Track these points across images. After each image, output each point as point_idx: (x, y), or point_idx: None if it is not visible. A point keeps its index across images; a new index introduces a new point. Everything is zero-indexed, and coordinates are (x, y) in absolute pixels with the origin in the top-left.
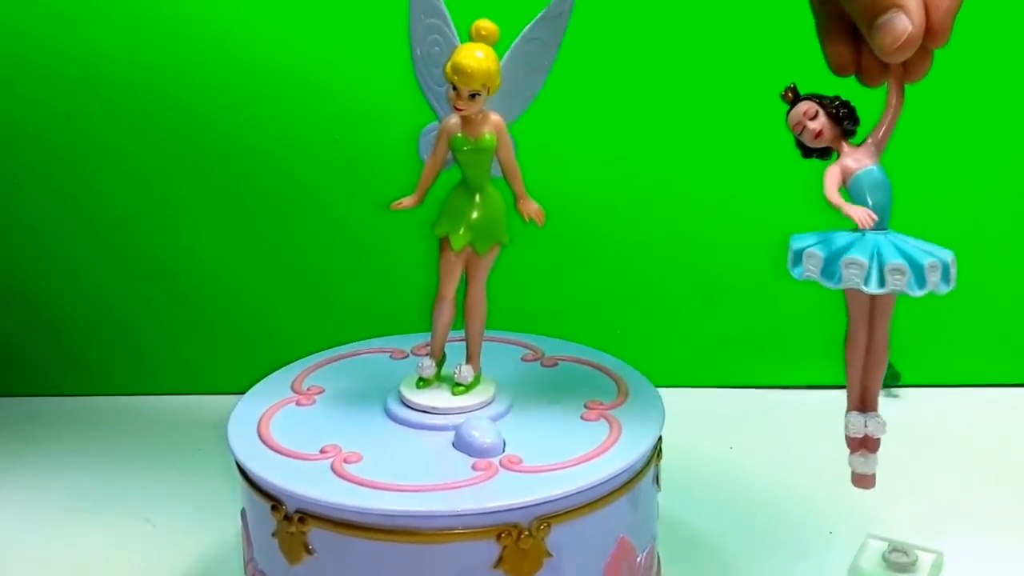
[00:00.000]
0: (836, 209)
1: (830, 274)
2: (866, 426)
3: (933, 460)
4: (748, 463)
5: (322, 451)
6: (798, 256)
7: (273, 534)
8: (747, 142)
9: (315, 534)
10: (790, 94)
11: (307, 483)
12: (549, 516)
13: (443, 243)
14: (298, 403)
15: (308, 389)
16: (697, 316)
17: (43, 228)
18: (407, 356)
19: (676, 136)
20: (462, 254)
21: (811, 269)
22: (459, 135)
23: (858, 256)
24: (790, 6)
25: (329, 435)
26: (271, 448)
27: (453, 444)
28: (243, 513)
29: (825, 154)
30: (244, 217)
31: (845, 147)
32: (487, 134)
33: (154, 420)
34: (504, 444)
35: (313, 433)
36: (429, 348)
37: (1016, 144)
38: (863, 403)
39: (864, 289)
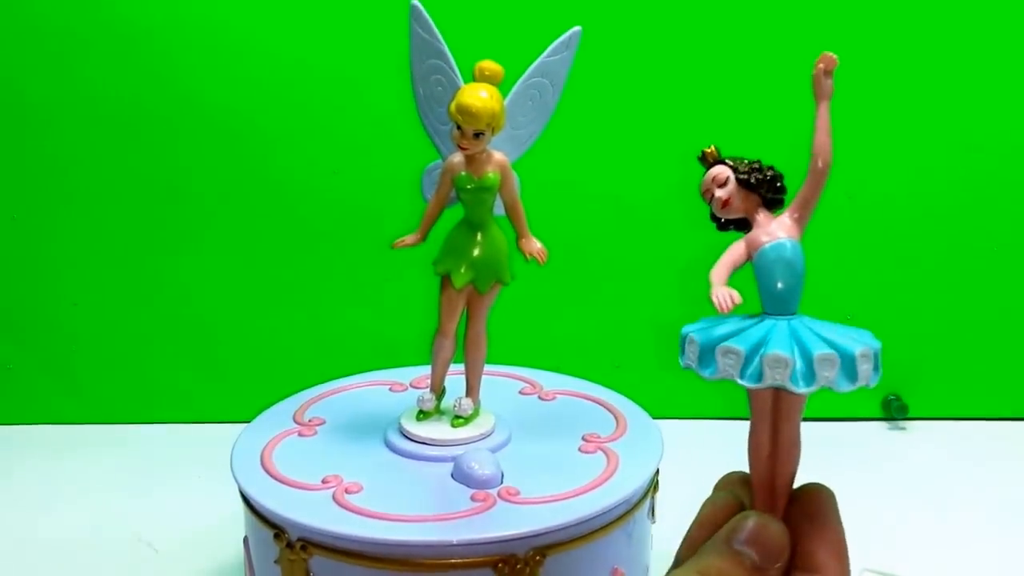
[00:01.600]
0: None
1: (752, 373)
2: None
3: (935, 494)
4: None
5: (324, 481)
6: (691, 344)
7: (276, 561)
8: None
9: (317, 561)
10: (709, 157)
11: (310, 512)
12: (545, 547)
13: (444, 280)
14: (300, 434)
15: (310, 420)
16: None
17: (46, 257)
18: (406, 389)
19: (676, 173)
20: (463, 292)
21: (691, 358)
22: (463, 174)
23: (736, 346)
24: (790, 49)
25: (331, 465)
26: (274, 477)
27: (452, 475)
28: (246, 540)
29: (744, 226)
30: (250, 250)
31: (760, 218)
32: (491, 173)
33: (157, 448)
34: (502, 476)
35: (315, 463)
36: (429, 382)
37: None
38: (772, 510)
39: (742, 383)
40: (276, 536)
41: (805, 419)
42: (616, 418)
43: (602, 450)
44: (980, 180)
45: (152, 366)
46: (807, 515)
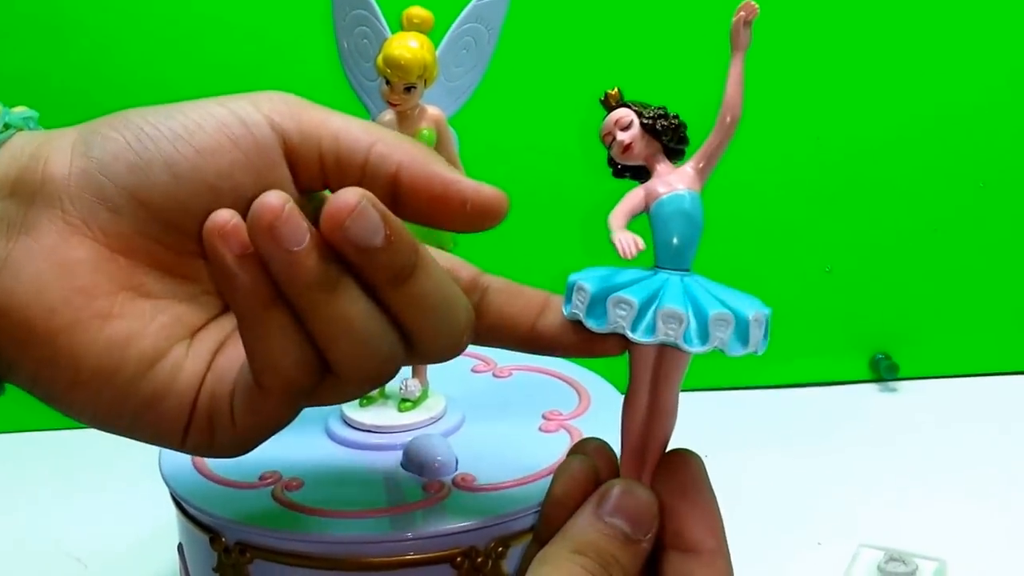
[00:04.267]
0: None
1: (645, 327)
2: None
3: (932, 459)
4: (725, 471)
5: (261, 478)
6: (571, 290)
7: (214, 568)
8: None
9: (258, 567)
10: (611, 100)
11: (247, 512)
12: (507, 537)
13: None
14: None
15: None
16: None
17: None
18: None
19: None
20: None
21: (578, 306)
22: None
23: (630, 296)
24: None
25: (268, 461)
26: (207, 477)
27: (402, 464)
28: (180, 548)
29: (641, 175)
30: None
31: (660, 167)
32: (425, 130)
33: (80, 453)
34: (457, 462)
35: (251, 460)
36: None
37: None
38: (639, 474)
39: (633, 337)
40: (212, 541)
41: (789, 385)
42: (579, 393)
43: (564, 428)
44: (967, 114)
45: None
46: (678, 488)
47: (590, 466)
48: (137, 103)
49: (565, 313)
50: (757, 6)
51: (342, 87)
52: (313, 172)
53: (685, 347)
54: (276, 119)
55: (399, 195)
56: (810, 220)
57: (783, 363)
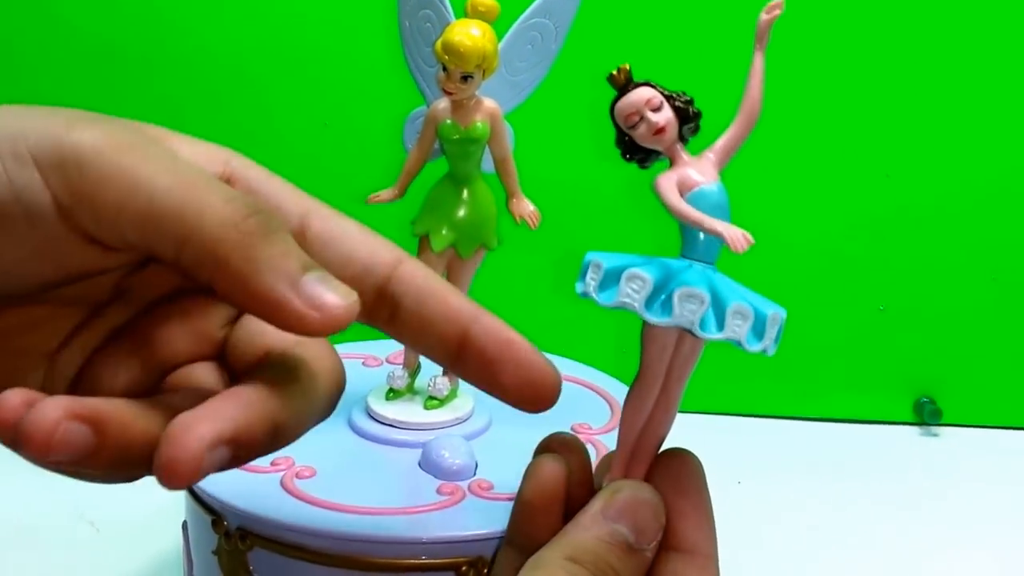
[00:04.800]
0: (690, 223)
1: (660, 306)
2: None
3: (968, 510)
4: (758, 497)
5: (272, 464)
6: (615, 276)
7: (214, 551)
8: (762, 151)
9: (257, 555)
10: (622, 76)
11: (250, 497)
12: None
13: (422, 242)
14: None
15: None
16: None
17: None
18: (381, 364)
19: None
20: (443, 256)
21: (590, 284)
22: (448, 122)
23: (645, 272)
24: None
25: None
26: None
27: (419, 464)
28: (184, 526)
29: (647, 161)
30: None
31: (684, 155)
32: (479, 122)
33: None
34: (476, 466)
35: None
36: (404, 357)
37: None
38: (637, 473)
39: (646, 316)
40: (214, 523)
41: (829, 420)
42: (611, 407)
43: (591, 442)
44: None
45: None
46: (679, 488)
47: (563, 465)
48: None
49: (577, 290)
50: (783, 3)
51: (400, 70)
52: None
53: (700, 332)
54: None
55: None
56: (868, 257)
57: (825, 396)
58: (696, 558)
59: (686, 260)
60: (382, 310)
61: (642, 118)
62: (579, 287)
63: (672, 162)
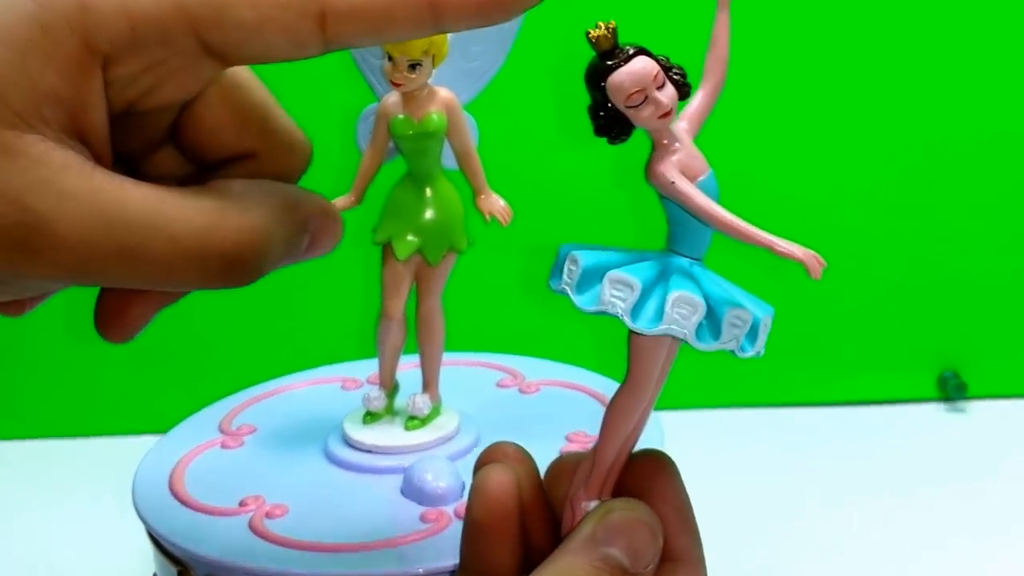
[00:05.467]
0: (750, 241)
1: (649, 313)
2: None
3: (1001, 486)
4: (779, 494)
5: (241, 504)
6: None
7: None
8: (763, 131)
9: None
10: (610, 35)
11: (217, 543)
12: None
13: (385, 251)
14: (223, 445)
15: (237, 428)
16: None
17: None
18: (361, 386)
19: None
20: (410, 264)
21: (568, 281)
22: (400, 117)
23: (631, 277)
24: None
25: (253, 483)
26: (182, 501)
27: (401, 490)
28: None
29: (619, 138)
30: None
31: (674, 135)
32: (434, 114)
33: (55, 468)
34: (463, 489)
35: (235, 481)
36: (379, 376)
37: None
38: (603, 489)
39: (696, 344)
40: (180, 574)
41: (844, 404)
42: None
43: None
44: None
45: (43, 366)
46: (659, 494)
47: (512, 476)
48: None
49: (553, 287)
50: None
51: (347, 65)
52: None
53: (697, 343)
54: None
55: None
56: (880, 225)
57: (843, 379)
58: (683, 566)
59: (672, 254)
60: None
61: (647, 98)
62: (554, 284)
63: (658, 142)
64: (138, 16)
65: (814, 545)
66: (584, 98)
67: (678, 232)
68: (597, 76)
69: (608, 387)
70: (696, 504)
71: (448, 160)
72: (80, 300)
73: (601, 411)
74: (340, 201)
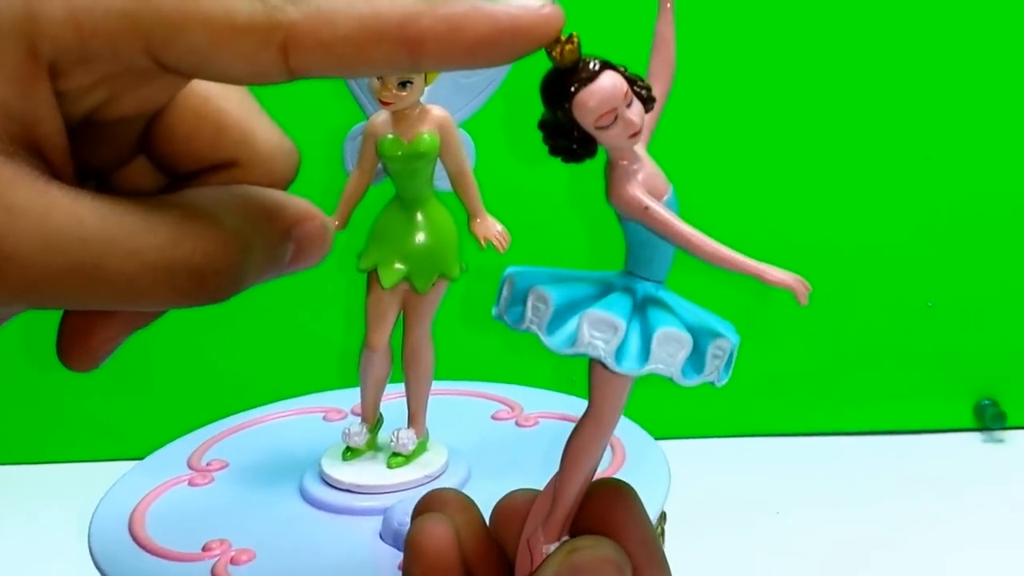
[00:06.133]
0: (737, 270)
1: (516, 312)
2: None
3: None
4: (808, 526)
5: (205, 548)
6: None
7: None
8: (788, 137)
9: None
10: (573, 49)
11: None
12: None
13: (371, 278)
14: (191, 483)
15: (208, 464)
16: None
17: None
18: (345, 417)
19: (680, 143)
20: (396, 292)
21: (502, 304)
22: (389, 137)
23: (548, 293)
24: None
25: (219, 526)
26: (141, 545)
27: (380, 534)
28: None
29: (580, 159)
30: None
31: (641, 153)
32: (426, 135)
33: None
34: None
35: (201, 523)
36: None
37: None
38: (562, 527)
39: (614, 367)
40: None
41: (877, 433)
42: (612, 447)
43: None
44: None
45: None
46: (616, 528)
47: (450, 527)
48: None
49: (510, 323)
50: None
51: (335, 84)
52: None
53: (615, 366)
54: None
55: None
56: (912, 246)
57: (876, 406)
58: None
59: (635, 278)
60: None
61: (616, 118)
62: (494, 310)
63: (617, 161)
64: (88, 29)
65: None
66: None
67: (643, 255)
68: (560, 95)
69: (621, 424)
70: (732, 533)
71: (442, 181)
72: (40, 323)
73: (608, 447)
74: None
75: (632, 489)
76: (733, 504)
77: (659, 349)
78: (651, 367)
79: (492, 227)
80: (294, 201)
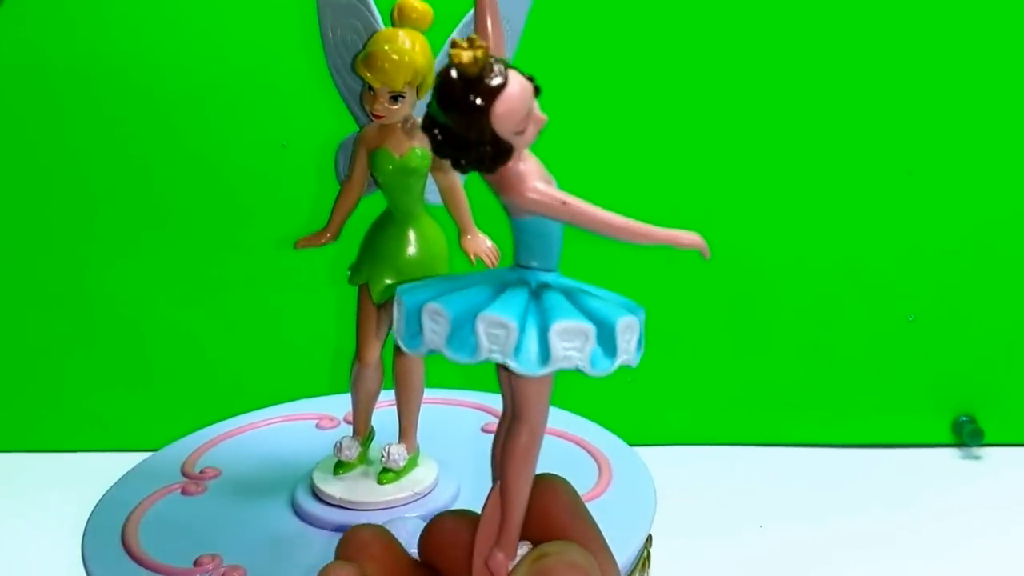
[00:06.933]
0: (658, 243)
1: (413, 332)
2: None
3: (1015, 537)
4: (784, 539)
5: (196, 563)
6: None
7: None
8: (768, 148)
9: None
10: (482, 56)
11: None
12: None
13: (362, 293)
14: (184, 491)
15: (201, 472)
16: (716, 364)
17: None
18: (338, 425)
19: (665, 157)
20: (387, 307)
21: (397, 325)
22: (380, 150)
23: (442, 308)
24: None
25: (211, 539)
26: (134, 558)
27: None
28: None
29: (495, 166)
30: (146, 250)
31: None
32: (418, 150)
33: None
34: None
35: (192, 535)
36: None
37: None
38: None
39: (516, 368)
40: None
41: (857, 446)
42: (599, 465)
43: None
44: None
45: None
46: (567, 524)
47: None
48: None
49: (412, 350)
50: None
51: (328, 89)
52: None
53: (517, 367)
54: None
55: None
56: (894, 262)
57: (855, 420)
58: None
59: (525, 270)
60: None
61: (530, 120)
62: (413, 346)
63: (516, 158)
64: None
65: None
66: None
67: (539, 246)
68: (475, 106)
69: (601, 438)
70: (704, 543)
71: (433, 195)
72: (42, 316)
73: (591, 465)
74: (316, 236)
75: (565, 482)
76: (724, 509)
77: (560, 345)
78: (554, 366)
79: (482, 243)
80: None
